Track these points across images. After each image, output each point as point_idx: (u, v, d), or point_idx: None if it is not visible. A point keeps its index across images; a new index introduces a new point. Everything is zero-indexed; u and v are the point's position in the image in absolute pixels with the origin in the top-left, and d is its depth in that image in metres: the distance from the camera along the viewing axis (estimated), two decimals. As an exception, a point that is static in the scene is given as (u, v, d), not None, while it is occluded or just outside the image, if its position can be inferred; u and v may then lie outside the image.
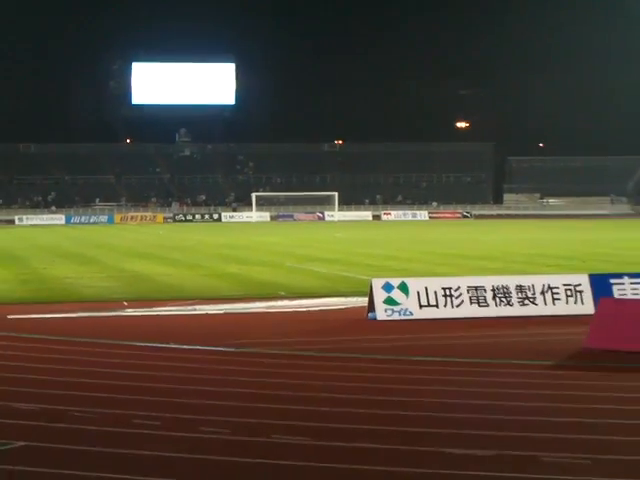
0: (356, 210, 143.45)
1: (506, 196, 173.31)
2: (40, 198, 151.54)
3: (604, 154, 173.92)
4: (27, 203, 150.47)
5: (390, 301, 31.50)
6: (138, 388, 20.95)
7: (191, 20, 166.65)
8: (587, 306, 31.19)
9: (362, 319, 31.37)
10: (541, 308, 32.16)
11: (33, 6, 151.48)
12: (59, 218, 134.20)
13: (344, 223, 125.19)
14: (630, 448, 15.71)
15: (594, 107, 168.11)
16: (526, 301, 32.34)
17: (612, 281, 32.91)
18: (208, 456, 15.26)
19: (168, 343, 26.55)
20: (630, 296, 31.80)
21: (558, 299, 32.42)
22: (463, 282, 33.15)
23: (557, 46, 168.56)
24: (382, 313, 31.29)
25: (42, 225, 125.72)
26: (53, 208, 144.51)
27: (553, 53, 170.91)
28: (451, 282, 33.21)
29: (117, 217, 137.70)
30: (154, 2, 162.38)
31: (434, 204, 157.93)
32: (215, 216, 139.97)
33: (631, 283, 32.76)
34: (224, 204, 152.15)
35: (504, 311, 31.94)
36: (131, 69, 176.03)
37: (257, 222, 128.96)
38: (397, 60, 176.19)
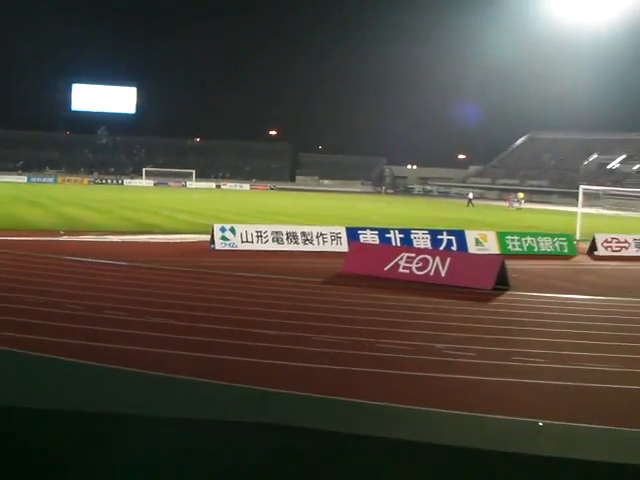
0: (206, 182, 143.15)
1: (297, 177, 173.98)
2: (11, 165, 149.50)
3: (358, 154, 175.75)
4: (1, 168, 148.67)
5: (224, 238, 31.69)
6: (63, 284, 20.77)
7: (110, 59, 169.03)
8: (344, 246, 31.52)
9: (206, 248, 31.43)
10: (316, 246, 32.47)
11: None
12: (23, 178, 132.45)
13: (198, 190, 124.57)
14: (366, 326, 16.10)
15: (353, 123, 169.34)
16: (307, 241, 32.67)
17: (359, 232, 33.35)
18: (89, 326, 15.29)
19: (87, 257, 26.36)
20: (370, 241, 32.29)
21: (326, 241, 32.79)
22: (268, 228, 33.39)
23: (339, 77, 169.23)
24: (219, 245, 31.46)
25: (11, 182, 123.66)
26: (20, 172, 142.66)
27: (334, 83, 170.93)
28: (261, 227, 33.43)
29: (59, 179, 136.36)
30: (89, 48, 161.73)
31: (253, 180, 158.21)
32: (120, 182, 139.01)
33: (370, 233, 33.24)
34: (125, 174, 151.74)
35: (293, 247, 32.22)
36: (72, 87, 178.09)
37: (145, 186, 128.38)
38: (241, 84, 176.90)
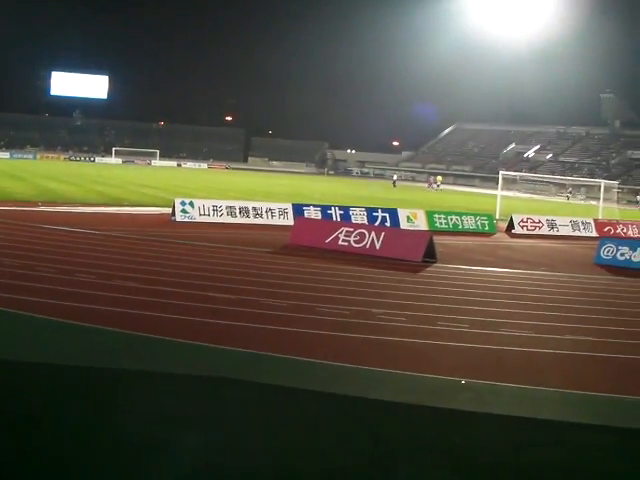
0: (169, 161, 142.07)
1: (250, 159, 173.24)
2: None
3: (304, 139, 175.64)
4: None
5: (184, 211, 31.40)
6: (38, 249, 20.43)
7: (86, 50, 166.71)
8: (290, 220, 31.38)
9: (168, 220, 31.07)
10: (266, 220, 32.28)
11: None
12: (6, 155, 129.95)
13: (162, 167, 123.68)
14: (307, 292, 16.00)
15: (300, 111, 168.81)
16: (257, 216, 32.47)
17: (304, 208, 33.26)
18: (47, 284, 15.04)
19: (61, 226, 25.96)
20: (313, 216, 32.20)
21: (274, 216, 32.63)
22: (223, 203, 33.13)
23: (288, 67, 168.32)
24: (179, 217, 31.12)
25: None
26: (4, 149, 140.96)
27: (283, 73, 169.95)
28: (216, 202, 33.14)
29: (39, 156, 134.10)
30: (67, 39, 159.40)
31: (211, 160, 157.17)
32: (92, 159, 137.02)
33: (314, 209, 33.16)
34: (97, 153, 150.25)
35: (245, 220, 32.01)
36: (51, 75, 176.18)
37: (114, 164, 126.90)
38: (201, 75, 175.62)
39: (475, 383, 10.70)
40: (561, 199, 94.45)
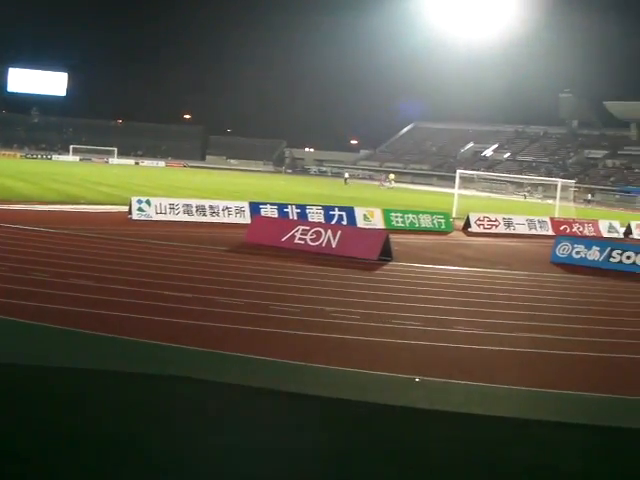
0: (126, 159, 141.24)
1: (208, 157, 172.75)
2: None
3: (262, 137, 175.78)
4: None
5: (140, 209, 31.27)
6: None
7: (45, 47, 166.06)
8: (247, 219, 31.42)
9: (125, 218, 30.90)
10: (222, 218, 32.24)
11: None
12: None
13: (120, 165, 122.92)
14: (262, 290, 15.96)
15: (258, 110, 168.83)
16: (214, 214, 32.43)
17: (260, 206, 33.26)
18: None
19: (17, 224, 25.70)
20: (270, 215, 32.19)
21: (231, 214, 32.60)
22: (180, 201, 32.99)
23: (247, 66, 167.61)
24: (136, 215, 30.98)
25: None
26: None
27: (242, 72, 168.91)
28: (173, 201, 32.97)
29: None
30: (25, 35, 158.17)
31: (169, 158, 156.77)
32: (49, 157, 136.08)
33: (270, 208, 33.18)
34: (54, 150, 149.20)
35: (202, 219, 31.92)
36: (8, 71, 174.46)
37: (71, 161, 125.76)
38: (159, 73, 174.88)
39: (429, 381, 10.75)
40: (518, 198, 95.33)
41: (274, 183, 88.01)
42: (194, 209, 32.38)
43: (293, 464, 7.47)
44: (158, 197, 34.64)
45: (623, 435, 9.28)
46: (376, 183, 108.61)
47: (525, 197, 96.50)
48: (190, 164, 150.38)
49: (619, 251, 26.18)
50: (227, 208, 32.97)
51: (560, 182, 53.03)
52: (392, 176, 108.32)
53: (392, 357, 12.07)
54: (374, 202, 49.74)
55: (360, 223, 34.00)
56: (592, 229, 41.15)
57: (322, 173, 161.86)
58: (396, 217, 35.97)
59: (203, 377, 10.19)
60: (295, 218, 32.40)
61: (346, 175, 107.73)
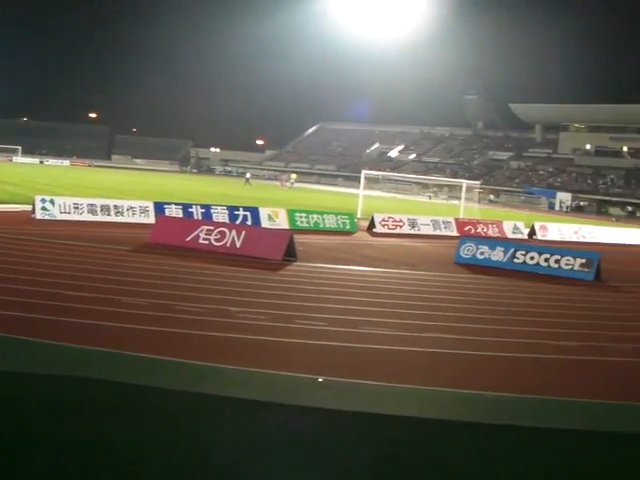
0: (31, 158, 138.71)
1: (113, 156, 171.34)
2: None
3: (168, 137, 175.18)
4: None
5: (44, 208, 30.79)
6: None
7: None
8: (151, 219, 31.17)
9: (29, 218, 30.39)
10: (127, 218, 31.84)
11: None
12: None
13: (24, 164, 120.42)
14: (167, 290, 15.94)
15: (164, 109, 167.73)
16: (118, 214, 32.04)
17: (165, 206, 33.06)
18: None
19: None
20: (174, 214, 32.03)
21: (135, 214, 32.28)
22: (84, 201, 32.53)
23: (153, 66, 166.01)
24: (39, 215, 30.45)
25: None
26: None
27: (148, 72, 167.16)
28: (77, 200, 32.43)
29: None
30: None
31: (74, 157, 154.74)
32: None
33: (175, 208, 33.06)
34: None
35: (107, 218, 31.48)
36: None
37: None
38: (65, 72, 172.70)
39: (332, 381, 10.80)
40: (423, 199, 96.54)
41: (179, 183, 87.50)
42: (98, 209, 31.95)
43: (199, 463, 7.45)
44: (62, 196, 34.11)
45: (540, 434, 9.42)
46: (277, 183, 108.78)
47: (430, 198, 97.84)
48: (95, 163, 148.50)
49: (523, 252, 26.67)
50: (131, 208, 32.62)
51: (465, 183, 53.89)
52: (294, 176, 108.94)
53: (295, 357, 12.09)
54: (279, 202, 49.81)
55: (265, 223, 34.02)
56: (497, 230, 41.92)
57: (227, 173, 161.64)
58: (301, 217, 36.11)
59: (93, 376, 10.08)
60: (200, 218, 32.29)
61: (247, 175, 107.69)
